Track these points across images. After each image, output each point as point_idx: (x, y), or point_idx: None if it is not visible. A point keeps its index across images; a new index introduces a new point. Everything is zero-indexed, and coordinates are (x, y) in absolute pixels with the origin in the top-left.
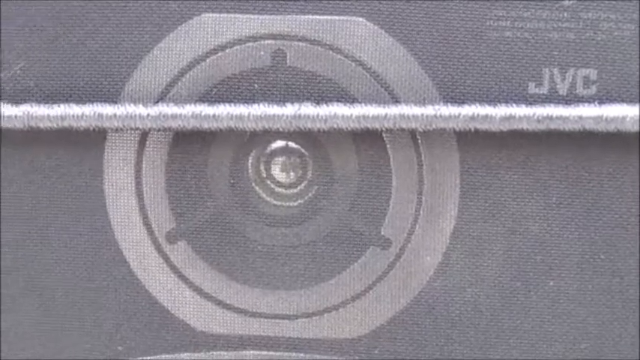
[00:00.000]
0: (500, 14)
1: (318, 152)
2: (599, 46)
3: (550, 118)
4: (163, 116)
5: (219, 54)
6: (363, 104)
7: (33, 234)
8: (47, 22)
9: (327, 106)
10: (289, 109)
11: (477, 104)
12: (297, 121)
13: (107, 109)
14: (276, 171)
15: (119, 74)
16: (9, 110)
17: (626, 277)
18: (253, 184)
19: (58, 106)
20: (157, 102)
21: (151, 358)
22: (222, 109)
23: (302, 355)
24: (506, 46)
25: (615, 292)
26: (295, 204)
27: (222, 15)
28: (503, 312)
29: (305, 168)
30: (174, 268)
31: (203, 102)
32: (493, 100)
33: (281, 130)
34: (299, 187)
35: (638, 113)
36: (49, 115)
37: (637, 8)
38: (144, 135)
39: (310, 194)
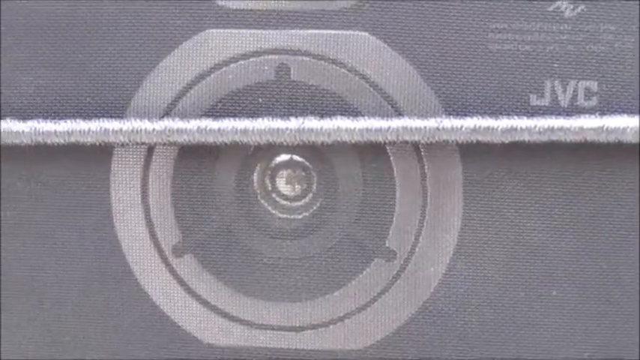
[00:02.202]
0: (502, 27)
1: (322, 165)
2: (600, 58)
3: (551, 129)
4: (169, 131)
5: (224, 69)
6: (366, 117)
7: (41, 247)
8: (54, 39)
9: (331, 119)
10: (293, 123)
11: (479, 116)
12: (302, 134)
13: (113, 125)
14: (281, 184)
15: (125, 89)
16: (16, 126)
17: (626, 285)
18: (258, 197)
19: (65, 122)
20: (163, 117)
21: None
22: (227, 124)
23: None
24: (507, 58)
25: (616, 301)
26: (300, 217)
27: (226, 30)
28: (507, 321)
29: (310, 181)
30: (180, 281)
31: (208, 116)
32: (495, 112)
33: (285, 143)
34: (304, 200)
35: (638, 124)
36: (55, 131)
37: (637, 20)
38: (150, 149)
39: (315, 207)
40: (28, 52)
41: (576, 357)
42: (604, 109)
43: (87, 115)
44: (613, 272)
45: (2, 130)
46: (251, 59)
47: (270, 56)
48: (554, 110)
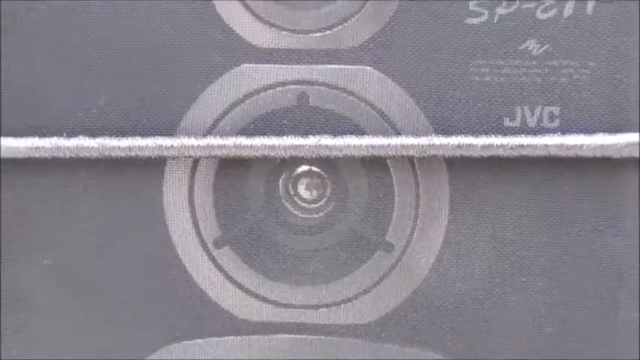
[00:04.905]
0: (481, 63)
1: (335, 175)
2: (562, 88)
3: (522, 146)
4: (211, 147)
5: (256, 96)
6: (370, 136)
7: (105, 243)
8: (118, 70)
9: (342, 137)
10: (312, 140)
11: (463, 135)
12: (318, 149)
13: (166, 141)
14: (302, 190)
15: (176, 112)
16: (86, 142)
17: (583, 274)
18: (283, 200)
19: (126, 139)
20: (206, 135)
21: (202, 340)
22: (258, 141)
23: (323, 337)
24: (485, 88)
25: (575, 286)
26: (317, 216)
27: (258, 65)
28: (485, 303)
29: (324, 187)
30: (220, 268)
31: (243, 135)
32: (475, 132)
33: (305, 157)
34: (320, 203)
35: (593, 142)
36: (119, 146)
37: (592, 57)
38: (195, 161)
39: (329, 208)
40: (98, 81)
41: (540, 332)
42: (565, 130)
43: (144, 133)
44: (573, 263)
45: (75, 145)
46: (277, 89)
47: (293, 86)
48: (524, 130)
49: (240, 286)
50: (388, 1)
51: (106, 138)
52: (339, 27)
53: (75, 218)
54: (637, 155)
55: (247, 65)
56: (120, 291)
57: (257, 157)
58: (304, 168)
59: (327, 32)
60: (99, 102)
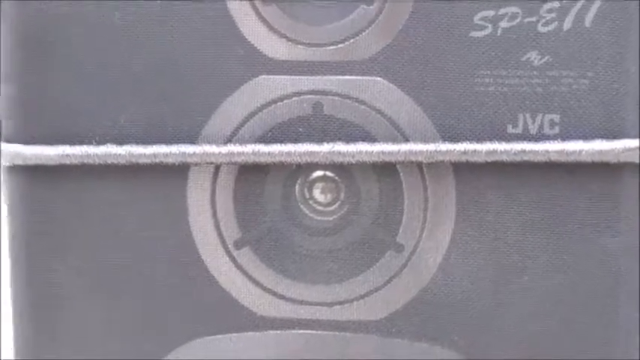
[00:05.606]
0: (485, 73)
1: (348, 179)
2: (561, 97)
3: (524, 152)
4: (231, 154)
5: (273, 106)
6: (381, 143)
7: (133, 244)
8: (145, 84)
9: (355, 144)
10: (326, 147)
11: (468, 142)
12: (332, 156)
13: (189, 149)
14: (317, 194)
15: (198, 121)
16: (115, 149)
17: (583, 274)
18: (299, 204)
19: (152, 147)
20: (227, 143)
21: (223, 335)
22: (276, 148)
23: (337, 333)
24: (489, 97)
25: (575, 286)
26: (331, 219)
27: (275, 76)
28: (489, 300)
29: (338, 191)
30: (240, 268)
31: (261, 142)
32: (480, 138)
33: (320, 163)
34: (334, 206)
35: (592, 148)
36: (145, 154)
37: (591, 67)
38: (217, 167)
39: (342, 211)
40: (125, 93)
41: (541, 330)
42: (564, 136)
43: (169, 141)
44: (574, 264)
45: (104, 153)
46: (293, 98)
47: (308, 96)
48: (526, 137)
49: (259, 285)
50: (397, 16)
51: (133, 146)
52: (351, 40)
53: (102, 221)
54: (634, 160)
55: (265, 77)
56: (145, 289)
57: (274, 163)
58: (319, 173)
59: (340, 45)
60: (126, 112)
